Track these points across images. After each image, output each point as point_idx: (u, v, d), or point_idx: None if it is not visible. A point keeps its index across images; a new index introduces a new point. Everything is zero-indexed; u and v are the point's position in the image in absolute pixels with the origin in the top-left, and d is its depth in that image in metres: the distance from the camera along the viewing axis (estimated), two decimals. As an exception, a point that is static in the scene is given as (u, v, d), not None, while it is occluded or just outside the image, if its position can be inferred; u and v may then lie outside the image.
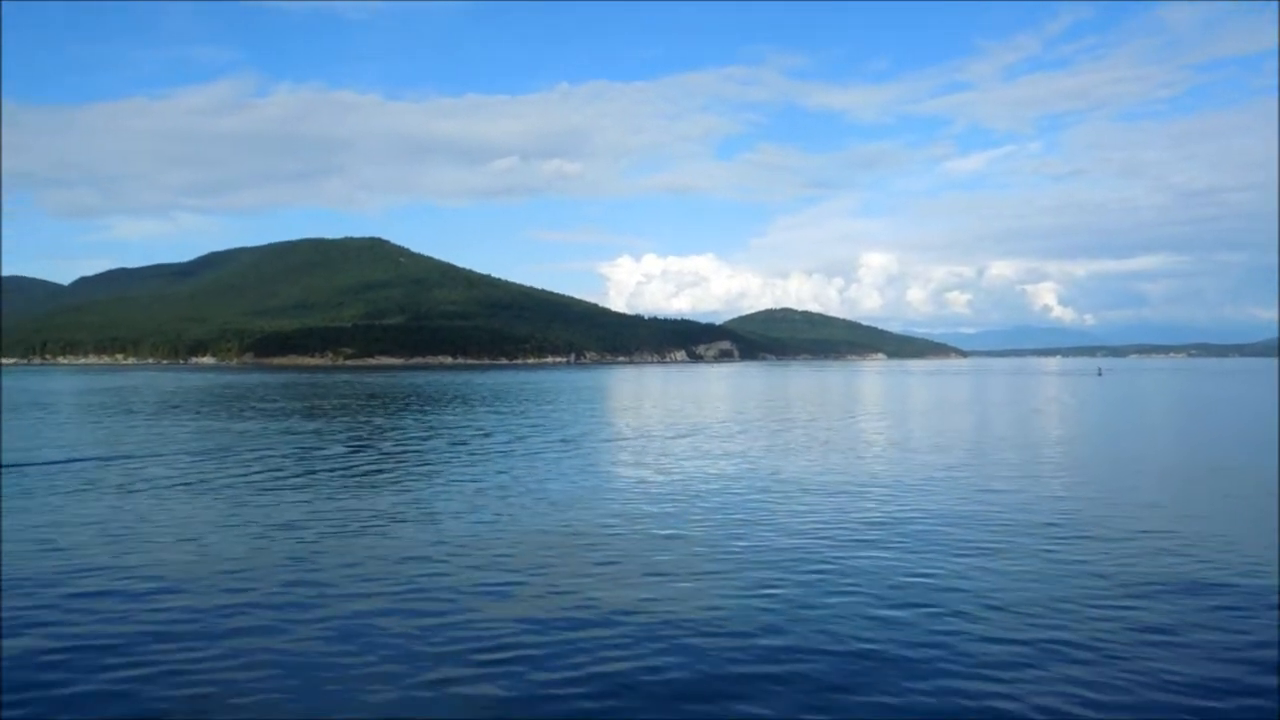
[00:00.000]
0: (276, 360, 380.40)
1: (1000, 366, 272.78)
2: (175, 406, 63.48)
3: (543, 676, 10.33)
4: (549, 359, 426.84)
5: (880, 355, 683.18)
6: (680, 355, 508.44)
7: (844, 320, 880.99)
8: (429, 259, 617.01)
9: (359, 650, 10.98)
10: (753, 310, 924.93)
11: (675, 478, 25.83)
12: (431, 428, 43.77)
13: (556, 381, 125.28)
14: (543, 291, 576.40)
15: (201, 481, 24.66)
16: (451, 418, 50.84)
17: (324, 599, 13.06)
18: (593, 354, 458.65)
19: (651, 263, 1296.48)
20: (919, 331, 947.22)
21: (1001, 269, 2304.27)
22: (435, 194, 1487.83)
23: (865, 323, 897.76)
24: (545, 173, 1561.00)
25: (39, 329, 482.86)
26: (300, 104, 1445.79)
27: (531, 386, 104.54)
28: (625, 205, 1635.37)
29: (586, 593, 13.51)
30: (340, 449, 33.66)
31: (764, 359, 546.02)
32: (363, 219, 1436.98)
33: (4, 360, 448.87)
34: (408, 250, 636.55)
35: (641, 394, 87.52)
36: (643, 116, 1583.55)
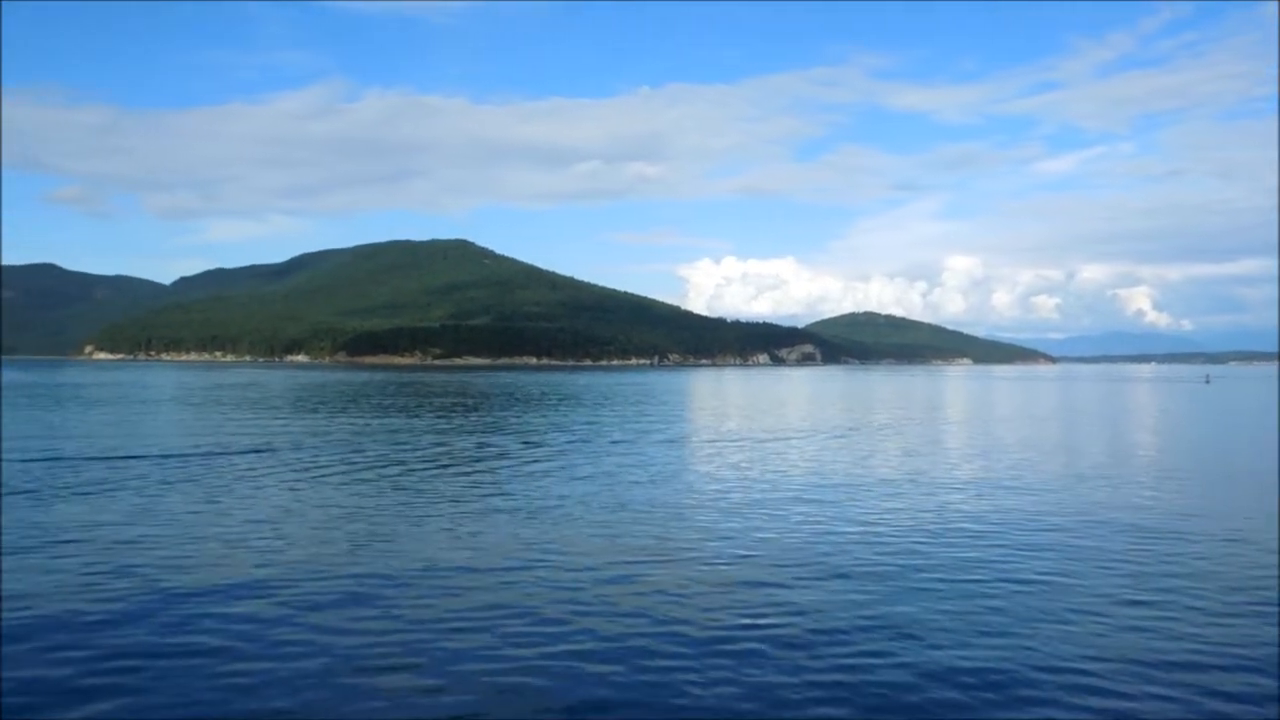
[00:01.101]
0: (368, 359, 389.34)
1: (1096, 373, 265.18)
2: (316, 402, 65.50)
3: (758, 677, 10.31)
4: (632, 361, 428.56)
5: (966, 360, 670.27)
6: (762, 358, 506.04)
7: (928, 324, 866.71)
8: (513, 260, 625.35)
9: (491, 644, 11.18)
10: (833, 314, 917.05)
11: (838, 480, 25.83)
12: (555, 424, 44.47)
13: (651, 383, 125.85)
14: (625, 294, 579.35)
15: (375, 473, 25.46)
16: (565, 416, 51.55)
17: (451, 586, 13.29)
18: (675, 356, 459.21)
19: (731, 265, 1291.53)
20: (1005, 336, 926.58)
21: (1093, 273, 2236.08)
22: (518, 196, 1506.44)
23: (950, 327, 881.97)
24: (626, 175, 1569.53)
25: (144, 327, 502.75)
26: (388, 108, 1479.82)
27: (630, 387, 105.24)
28: (705, 208, 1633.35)
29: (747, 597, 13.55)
30: (509, 444, 34.38)
31: (847, 363, 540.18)
32: (447, 221, 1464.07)
33: (109, 356, 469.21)
34: (492, 252, 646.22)
35: (741, 396, 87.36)
36: (723, 119, 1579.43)
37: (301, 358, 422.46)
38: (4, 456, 28.73)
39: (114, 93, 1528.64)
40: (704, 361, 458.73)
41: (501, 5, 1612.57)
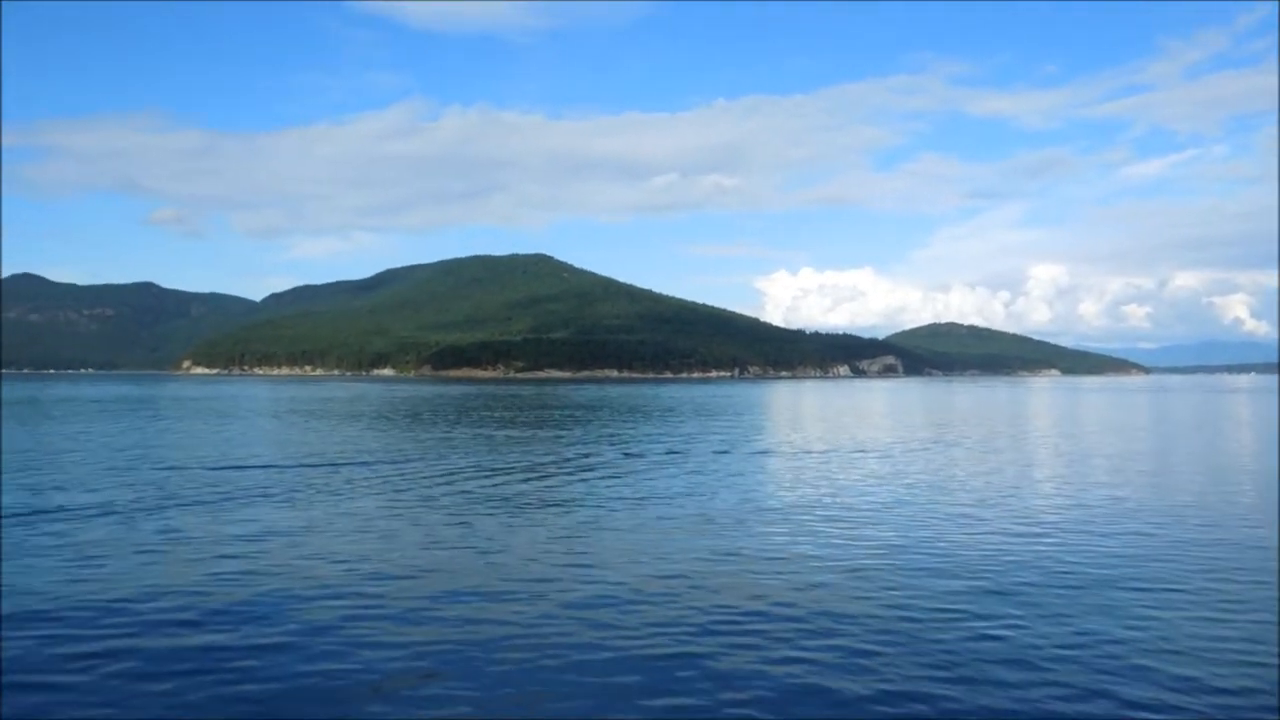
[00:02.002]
0: (452, 372, 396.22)
1: (1190, 384, 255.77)
2: (426, 414, 67.14)
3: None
4: (713, 373, 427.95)
5: (1054, 371, 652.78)
6: (843, 370, 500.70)
7: (1013, 334, 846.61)
8: (592, 274, 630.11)
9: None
10: (913, 325, 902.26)
11: (965, 493, 25.73)
12: (652, 435, 44.80)
13: (737, 395, 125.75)
14: (704, 306, 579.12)
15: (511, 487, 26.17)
16: (663, 427, 51.90)
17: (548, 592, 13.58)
18: (755, 368, 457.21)
19: (808, 276, 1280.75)
20: (1093, 346, 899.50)
21: (1185, 280, 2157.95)
22: (595, 210, 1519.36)
23: (1035, 337, 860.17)
24: (703, 188, 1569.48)
25: (238, 342, 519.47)
26: (468, 126, 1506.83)
27: (717, 399, 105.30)
28: (782, 219, 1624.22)
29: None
30: (612, 454, 34.89)
31: (929, 374, 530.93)
32: (526, 235, 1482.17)
33: (206, 370, 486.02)
34: (571, 266, 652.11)
35: (829, 408, 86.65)
36: (800, 130, 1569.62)
37: (388, 371, 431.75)
38: (183, 464, 30.40)
39: (207, 117, 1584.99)
40: (784, 374, 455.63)
41: (579, 23, 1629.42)
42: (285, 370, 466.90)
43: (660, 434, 48.60)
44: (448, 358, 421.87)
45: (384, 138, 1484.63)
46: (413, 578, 14.88)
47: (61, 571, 15.11)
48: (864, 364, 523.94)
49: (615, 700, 9.86)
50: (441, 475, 28.67)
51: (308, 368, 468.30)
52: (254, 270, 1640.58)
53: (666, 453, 37.15)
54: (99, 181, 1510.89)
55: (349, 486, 25.86)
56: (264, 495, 23.99)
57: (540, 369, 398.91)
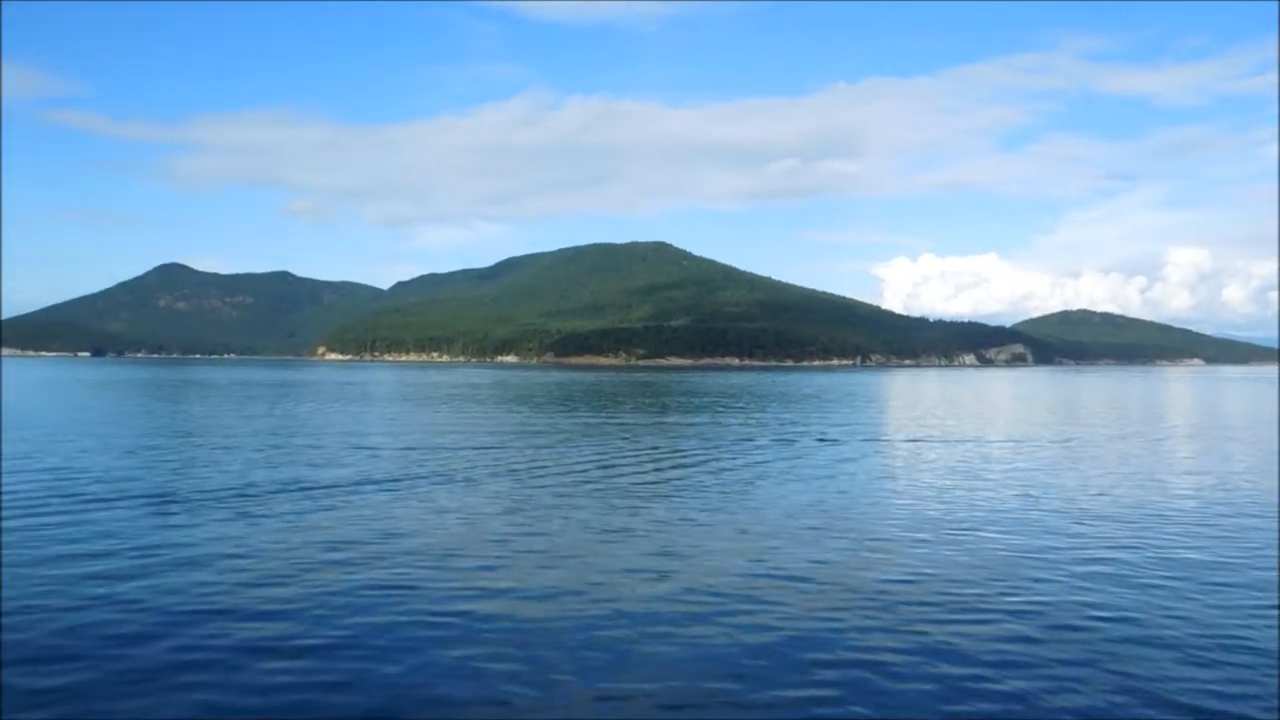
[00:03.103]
0: (574, 359, 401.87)
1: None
2: (564, 400, 68.59)
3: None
4: (834, 361, 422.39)
5: (1196, 360, 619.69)
6: (969, 359, 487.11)
7: (1150, 322, 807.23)
8: (711, 261, 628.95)
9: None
10: (1040, 312, 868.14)
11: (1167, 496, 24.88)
12: (798, 422, 44.58)
13: (863, 383, 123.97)
14: (824, 293, 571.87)
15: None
16: (805, 415, 51.63)
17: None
18: (878, 356, 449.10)
19: (929, 263, 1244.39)
20: (1239, 335, 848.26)
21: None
22: (713, 197, 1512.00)
23: (1175, 325, 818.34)
24: (822, 173, 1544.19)
25: (368, 329, 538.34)
26: (587, 115, 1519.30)
27: (845, 388, 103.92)
28: (902, 204, 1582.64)
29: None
30: (766, 438, 34.97)
31: (1061, 364, 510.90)
32: (645, 223, 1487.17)
33: (339, 356, 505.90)
34: (690, 253, 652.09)
35: (974, 399, 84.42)
36: (923, 112, 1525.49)
37: (511, 358, 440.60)
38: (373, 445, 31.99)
39: (339, 111, 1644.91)
40: (907, 362, 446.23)
41: (699, 10, 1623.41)
42: (413, 356, 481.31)
43: (807, 420, 48.46)
44: (570, 345, 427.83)
45: (506, 128, 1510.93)
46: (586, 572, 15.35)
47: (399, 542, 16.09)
48: (990, 353, 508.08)
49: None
50: (610, 460, 29.32)
51: (434, 354, 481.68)
52: (382, 258, 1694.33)
53: (819, 440, 37.10)
54: (239, 174, 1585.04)
55: (530, 467, 26.74)
56: (475, 475, 25.03)
57: (661, 356, 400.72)
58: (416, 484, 23.37)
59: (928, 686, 9.89)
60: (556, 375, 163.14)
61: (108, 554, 14.91)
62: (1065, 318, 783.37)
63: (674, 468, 27.79)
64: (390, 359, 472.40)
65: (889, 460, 30.77)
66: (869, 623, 11.96)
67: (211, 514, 18.63)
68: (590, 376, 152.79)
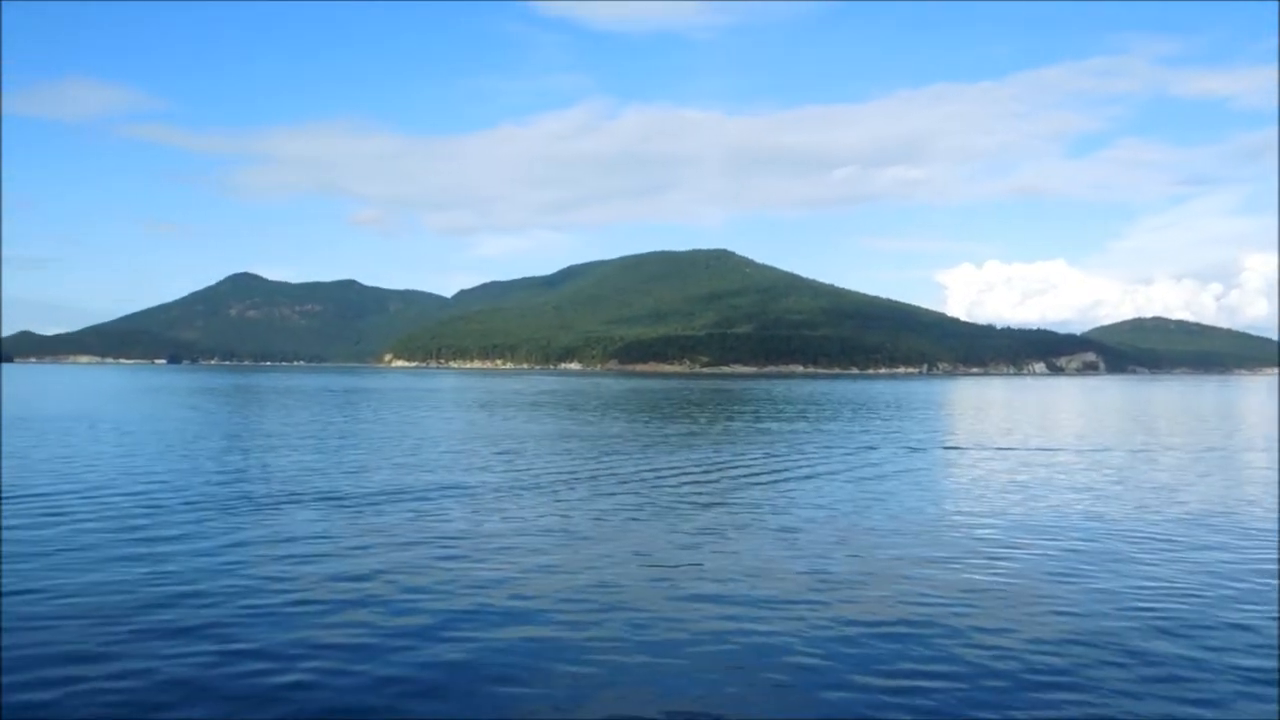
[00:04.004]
0: (638, 367, 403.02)
1: None
2: (644, 408, 68.70)
3: None
4: (900, 369, 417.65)
5: (1275, 369, 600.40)
6: (1039, 367, 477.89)
7: (1227, 330, 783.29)
8: (773, 269, 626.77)
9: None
10: (1111, 320, 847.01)
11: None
12: (873, 430, 44.04)
13: (933, 392, 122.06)
14: (888, 301, 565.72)
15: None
16: (882, 424, 50.99)
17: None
18: (944, 365, 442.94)
19: (994, 270, 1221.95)
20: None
21: None
22: (774, 205, 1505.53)
23: (1254, 333, 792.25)
24: (884, 180, 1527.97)
25: (433, 337, 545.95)
26: (647, 124, 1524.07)
27: (915, 397, 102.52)
28: (967, 210, 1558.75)
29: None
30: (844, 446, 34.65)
31: (1134, 372, 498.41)
32: (706, 231, 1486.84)
33: (406, 363, 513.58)
34: (752, 261, 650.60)
35: (1061, 408, 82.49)
36: (989, 118, 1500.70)
37: (574, 365, 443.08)
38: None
39: (403, 123, 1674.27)
40: (974, 370, 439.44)
41: (759, 18, 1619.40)
42: (477, 364, 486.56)
43: (882, 430, 47.94)
44: (633, 352, 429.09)
45: (566, 137, 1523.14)
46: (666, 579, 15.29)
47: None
48: (1061, 361, 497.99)
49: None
50: (695, 469, 29.31)
51: (498, 361, 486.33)
52: (444, 267, 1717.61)
53: (909, 450, 36.65)
54: (305, 185, 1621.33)
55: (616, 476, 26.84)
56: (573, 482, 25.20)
57: (725, 364, 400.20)
58: (556, 489, 23.65)
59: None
60: (628, 382, 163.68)
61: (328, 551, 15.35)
62: (1138, 325, 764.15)
63: (805, 477, 27.65)
64: (456, 366, 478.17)
65: (1008, 470, 30.32)
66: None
67: (392, 511, 19.07)
68: (662, 384, 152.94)
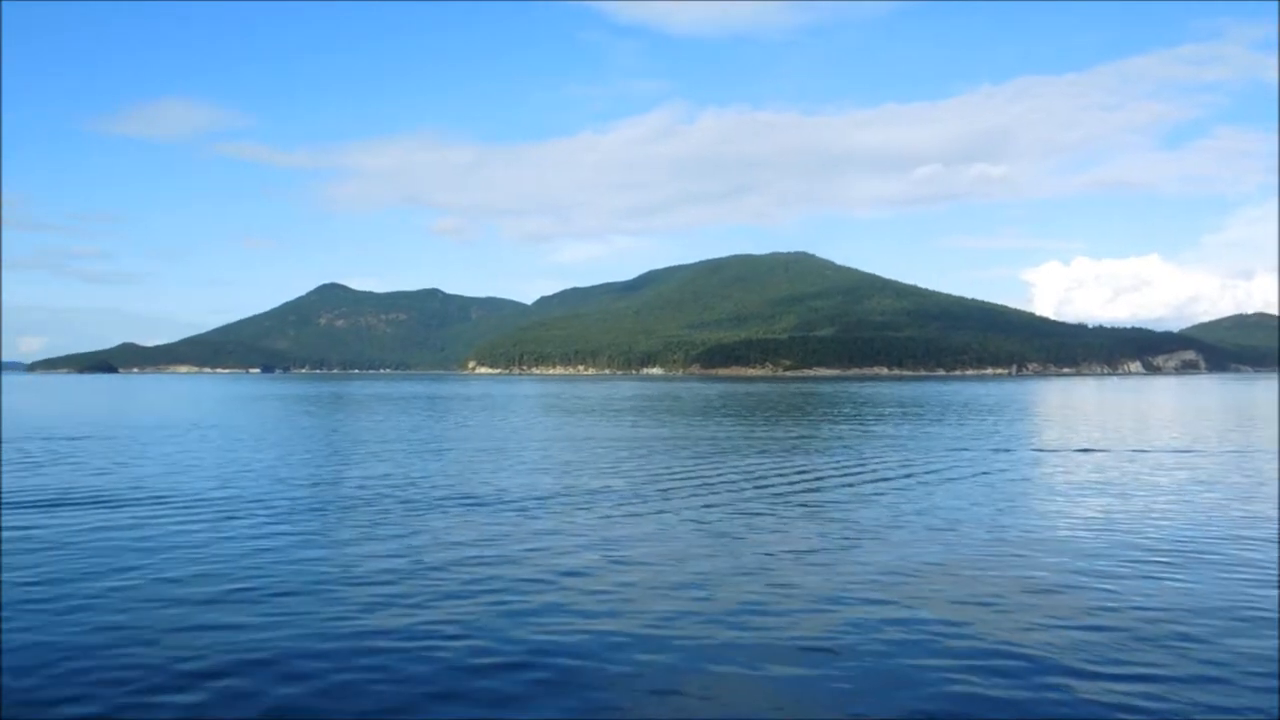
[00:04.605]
0: (720, 370, 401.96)
1: None
2: (744, 411, 68.58)
3: None
4: (988, 370, 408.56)
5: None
6: (1134, 366, 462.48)
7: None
8: (854, 270, 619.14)
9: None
10: (1209, 316, 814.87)
11: None
12: (984, 433, 42.98)
13: (1029, 393, 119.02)
14: (973, 300, 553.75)
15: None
16: (989, 427, 49.81)
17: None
18: (1034, 365, 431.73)
19: (1083, 266, 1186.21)
20: None
21: None
22: (854, 205, 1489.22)
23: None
24: (967, 178, 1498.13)
25: (515, 343, 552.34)
26: (724, 127, 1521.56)
27: (1013, 399, 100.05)
28: (1054, 206, 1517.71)
29: None
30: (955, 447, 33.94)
31: (1237, 370, 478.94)
32: (785, 233, 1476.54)
33: (489, 370, 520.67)
34: (832, 262, 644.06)
35: (1175, 409, 79.68)
36: (1075, 110, 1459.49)
37: (656, 370, 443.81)
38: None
39: (482, 132, 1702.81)
40: (1066, 370, 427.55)
41: (837, 16, 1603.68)
42: (559, 369, 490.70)
43: (996, 431, 46.88)
44: (715, 356, 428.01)
45: (643, 142, 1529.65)
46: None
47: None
48: (1158, 360, 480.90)
49: None
50: (800, 474, 29.01)
51: (580, 367, 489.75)
52: (525, 274, 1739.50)
53: (1035, 450, 35.78)
54: (389, 196, 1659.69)
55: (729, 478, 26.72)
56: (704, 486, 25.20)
57: (808, 367, 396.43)
58: (699, 491, 23.79)
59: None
60: (716, 386, 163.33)
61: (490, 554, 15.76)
62: (1239, 321, 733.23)
63: (932, 482, 27.34)
64: (538, 372, 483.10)
65: (1133, 473, 29.46)
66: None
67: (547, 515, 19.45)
68: (750, 387, 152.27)
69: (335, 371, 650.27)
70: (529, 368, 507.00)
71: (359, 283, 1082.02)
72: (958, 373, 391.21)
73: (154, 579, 14.26)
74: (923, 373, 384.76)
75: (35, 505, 21.45)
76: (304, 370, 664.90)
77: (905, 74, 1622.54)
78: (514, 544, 17.11)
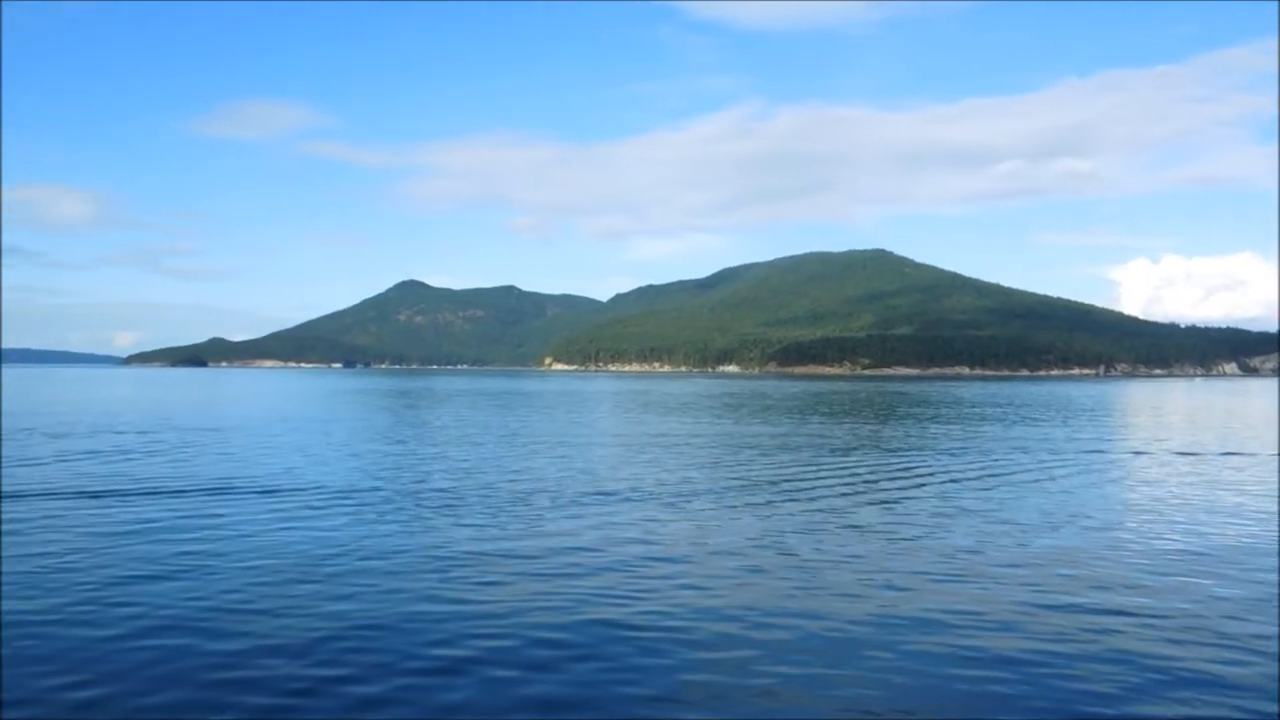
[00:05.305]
0: (797, 369, 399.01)
1: None
2: (839, 410, 67.82)
3: None
4: (1074, 370, 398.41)
5: None
6: (1229, 368, 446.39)
7: None
8: (933, 268, 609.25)
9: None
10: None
11: None
12: (1098, 438, 41.52)
13: (1123, 395, 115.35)
14: (1058, 299, 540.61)
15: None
16: (1111, 428, 48.19)
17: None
18: (1123, 365, 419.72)
19: (1173, 264, 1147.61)
20: None
21: None
22: (933, 202, 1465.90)
23: None
24: (1052, 173, 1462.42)
25: (591, 340, 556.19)
26: (800, 123, 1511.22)
27: (1108, 401, 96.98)
28: (1142, 202, 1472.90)
29: None
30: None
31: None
32: (862, 231, 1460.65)
33: (565, 366, 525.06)
34: (911, 260, 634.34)
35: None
36: (1166, 103, 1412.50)
37: (732, 368, 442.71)
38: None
39: (559, 131, 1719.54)
40: (1157, 371, 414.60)
41: (915, 10, 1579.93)
42: (635, 367, 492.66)
43: (1114, 434, 45.33)
44: (792, 354, 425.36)
45: (719, 140, 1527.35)
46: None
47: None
48: (1255, 361, 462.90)
49: None
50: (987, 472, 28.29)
51: (656, 364, 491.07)
52: (600, 271, 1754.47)
53: (1179, 453, 34.48)
54: (468, 194, 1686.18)
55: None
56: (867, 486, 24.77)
57: (886, 366, 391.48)
58: (803, 489, 23.51)
59: None
60: (797, 385, 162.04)
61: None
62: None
63: (1028, 480, 26.59)
64: (614, 369, 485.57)
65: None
66: None
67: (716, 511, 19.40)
68: (831, 386, 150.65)
69: (414, 367, 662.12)
70: (605, 364, 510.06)
71: (437, 279, 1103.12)
72: (1042, 373, 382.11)
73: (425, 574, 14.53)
74: (1006, 373, 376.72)
75: (208, 492, 22.10)
76: (384, 365, 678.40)
77: (986, 68, 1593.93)
78: (698, 538, 17.08)
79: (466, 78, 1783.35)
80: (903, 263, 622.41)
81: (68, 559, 14.94)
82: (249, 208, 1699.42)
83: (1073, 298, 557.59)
